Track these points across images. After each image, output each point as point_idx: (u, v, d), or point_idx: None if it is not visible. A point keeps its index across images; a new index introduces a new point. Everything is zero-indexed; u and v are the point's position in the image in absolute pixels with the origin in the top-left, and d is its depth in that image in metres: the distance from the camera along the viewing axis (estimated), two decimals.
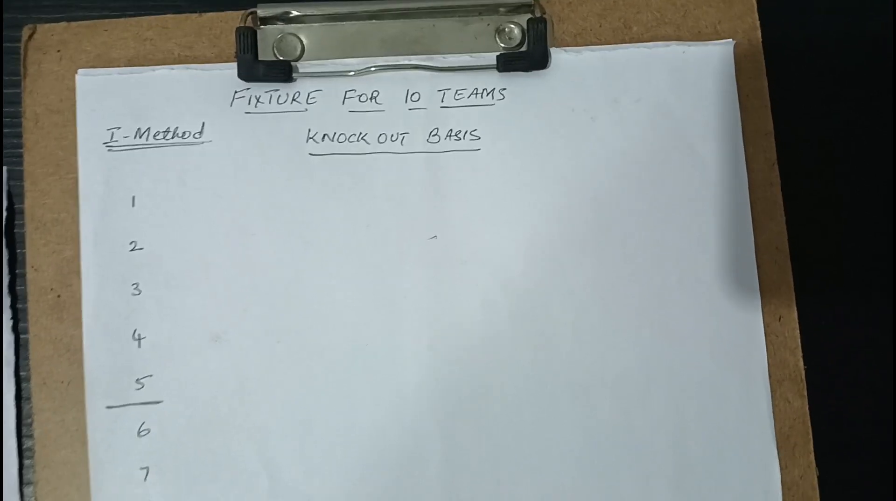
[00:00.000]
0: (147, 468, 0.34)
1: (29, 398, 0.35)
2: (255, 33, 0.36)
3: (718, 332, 0.35)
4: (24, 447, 0.35)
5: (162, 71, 0.36)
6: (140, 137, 0.35)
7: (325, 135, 0.36)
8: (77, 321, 0.35)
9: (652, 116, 0.36)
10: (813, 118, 0.38)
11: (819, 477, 0.35)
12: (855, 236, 0.37)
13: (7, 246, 0.35)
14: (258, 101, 0.36)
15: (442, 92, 0.36)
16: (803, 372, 0.36)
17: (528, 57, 0.36)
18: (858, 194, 0.38)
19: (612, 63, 0.36)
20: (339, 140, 0.36)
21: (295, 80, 0.36)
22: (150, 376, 0.34)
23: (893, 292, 0.37)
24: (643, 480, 0.35)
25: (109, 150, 0.35)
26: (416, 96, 0.36)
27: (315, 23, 0.36)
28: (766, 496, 0.35)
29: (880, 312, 0.37)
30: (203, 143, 0.36)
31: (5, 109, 0.36)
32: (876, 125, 0.38)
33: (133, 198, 0.35)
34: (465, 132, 0.36)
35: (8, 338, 0.35)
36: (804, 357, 0.36)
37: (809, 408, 0.35)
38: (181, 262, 0.35)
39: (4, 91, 0.36)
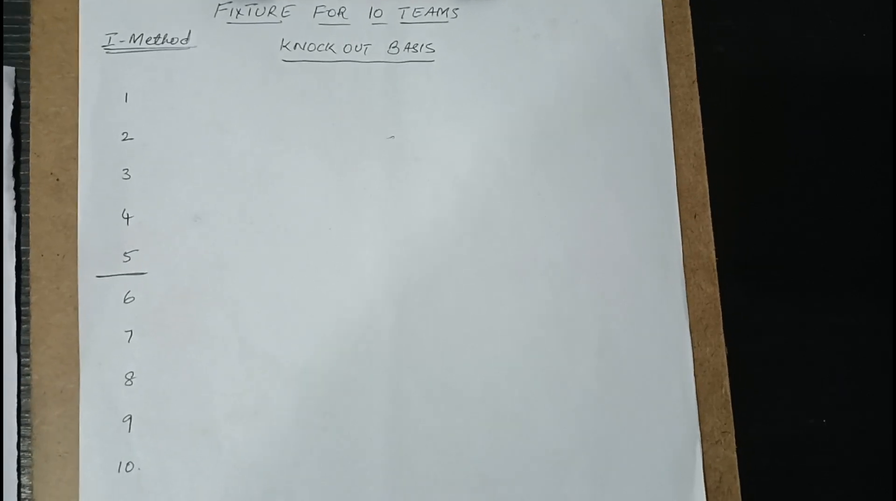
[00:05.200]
0: (131, 331, 0.38)
1: (27, 270, 0.39)
2: None
3: (639, 226, 0.40)
4: (23, 312, 0.39)
5: None
6: (134, 42, 0.40)
7: (296, 44, 0.40)
8: (73, 202, 0.39)
9: (587, 36, 0.41)
10: (732, 39, 0.43)
11: (728, 356, 0.40)
12: (764, 145, 0.42)
13: (13, 135, 0.40)
14: (238, 13, 0.40)
15: (402, 9, 0.41)
16: (715, 263, 0.40)
17: None
18: (770, 107, 0.43)
19: None
20: (309, 49, 0.40)
21: None
22: (137, 250, 0.39)
23: (800, 193, 0.42)
24: (570, 352, 0.39)
25: (107, 52, 0.40)
26: (378, 13, 0.41)
27: None
28: (680, 370, 0.39)
29: (787, 209, 0.42)
30: (189, 48, 0.40)
31: (16, 17, 0.41)
32: (792, 45, 0.43)
33: (126, 94, 0.40)
34: (422, 45, 0.41)
35: (10, 216, 0.39)
36: (716, 250, 0.40)
37: (720, 294, 0.40)
38: (167, 151, 0.39)
39: (15, 1, 0.41)
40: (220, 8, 0.40)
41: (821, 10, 0.44)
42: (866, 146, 0.43)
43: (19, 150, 0.40)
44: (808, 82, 0.43)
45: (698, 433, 0.39)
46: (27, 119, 0.40)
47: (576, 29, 0.41)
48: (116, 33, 0.40)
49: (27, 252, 0.39)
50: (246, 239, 0.39)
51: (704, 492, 0.38)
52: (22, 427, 0.38)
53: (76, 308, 0.38)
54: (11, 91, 0.40)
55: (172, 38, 0.40)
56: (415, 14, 0.41)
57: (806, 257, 0.42)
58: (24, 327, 0.39)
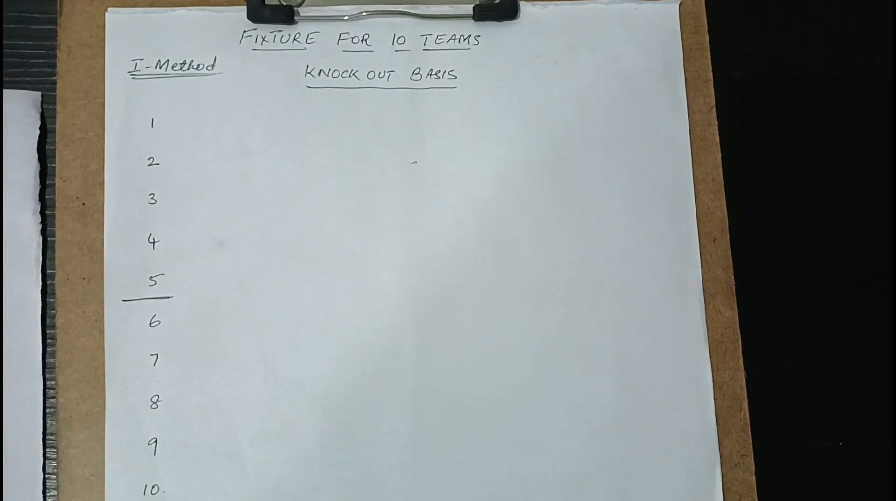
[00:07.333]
0: (156, 354, 0.39)
1: (53, 293, 0.39)
2: None
3: (658, 250, 0.40)
4: (48, 335, 0.39)
5: (181, 11, 0.41)
6: (160, 68, 0.41)
7: (321, 71, 0.41)
8: (99, 226, 0.39)
9: (606, 63, 0.42)
10: (750, 65, 0.43)
11: (747, 379, 0.40)
12: (782, 170, 0.43)
13: (39, 160, 0.40)
14: (263, 39, 0.41)
15: (424, 37, 0.41)
16: (734, 287, 0.41)
17: (499, 8, 0.41)
18: (787, 133, 0.43)
19: (573, 16, 0.42)
20: (333, 76, 0.41)
21: (296, 22, 0.41)
22: (162, 274, 0.39)
23: (818, 217, 0.42)
24: (589, 375, 0.39)
25: (133, 78, 0.40)
26: (401, 40, 0.41)
27: None
28: (699, 394, 0.40)
29: (805, 233, 0.42)
30: (215, 74, 0.41)
31: (43, 43, 0.41)
32: (809, 70, 0.44)
33: (152, 120, 0.40)
34: (444, 72, 0.41)
35: (37, 240, 0.40)
36: (735, 274, 0.41)
37: (739, 319, 0.40)
38: (192, 176, 0.40)
39: (42, 27, 0.41)
40: (246, 35, 0.41)
41: (837, 36, 0.44)
42: (888, 170, 0.43)
43: (45, 174, 0.40)
44: (826, 107, 0.44)
45: (718, 456, 0.39)
46: (53, 144, 0.40)
47: (594, 56, 0.42)
48: (142, 59, 0.41)
49: (53, 276, 0.39)
50: (270, 263, 0.39)
51: None
52: (48, 450, 0.38)
53: (102, 332, 0.39)
54: (38, 116, 0.40)
55: (198, 65, 0.41)
56: (437, 41, 0.41)
57: (824, 279, 0.42)
58: (49, 350, 0.39)
